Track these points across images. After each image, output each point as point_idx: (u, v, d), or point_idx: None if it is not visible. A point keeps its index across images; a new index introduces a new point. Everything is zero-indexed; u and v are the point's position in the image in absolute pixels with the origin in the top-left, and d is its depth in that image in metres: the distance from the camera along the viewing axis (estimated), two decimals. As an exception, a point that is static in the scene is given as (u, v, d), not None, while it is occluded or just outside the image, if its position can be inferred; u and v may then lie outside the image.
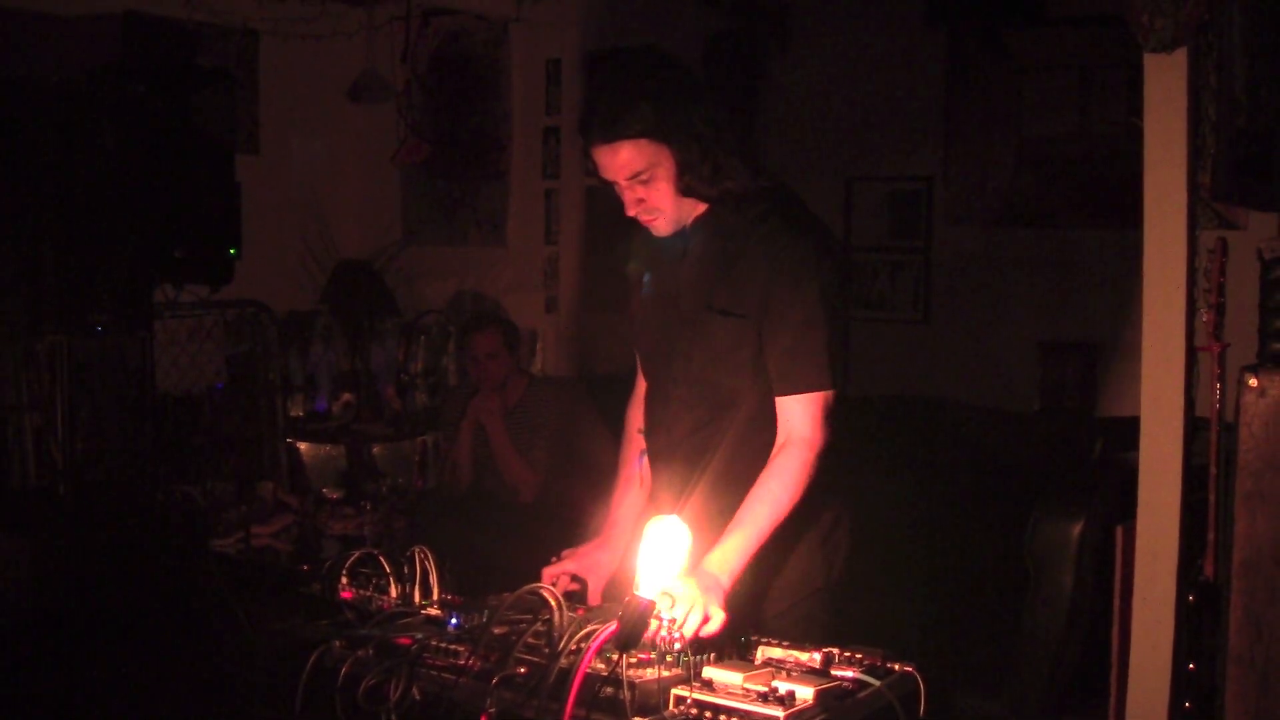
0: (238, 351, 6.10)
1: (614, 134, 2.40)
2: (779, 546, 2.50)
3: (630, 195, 2.48)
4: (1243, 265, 3.37)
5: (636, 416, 2.83)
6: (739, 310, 2.48)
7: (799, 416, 2.45)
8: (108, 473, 4.06)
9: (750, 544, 2.38)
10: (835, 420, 2.46)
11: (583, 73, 6.33)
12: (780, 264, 2.45)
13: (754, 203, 2.52)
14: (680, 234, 2.56)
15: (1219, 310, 3.17)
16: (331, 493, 5.12)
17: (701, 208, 2.53)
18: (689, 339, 2.57)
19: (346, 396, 6.43)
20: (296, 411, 6.36)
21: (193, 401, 5.62)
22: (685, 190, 2.47)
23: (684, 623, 2.14)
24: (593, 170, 2.51)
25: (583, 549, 2.73)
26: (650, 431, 2.72)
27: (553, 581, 2.62)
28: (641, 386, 2.84)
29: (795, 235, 2.48)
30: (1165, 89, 3.15)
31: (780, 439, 2.46)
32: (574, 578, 2.67)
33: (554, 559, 2.71)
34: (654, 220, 2.52)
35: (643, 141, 2.40)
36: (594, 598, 2.66)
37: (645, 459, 2.78)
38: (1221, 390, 3.13)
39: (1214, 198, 3.81)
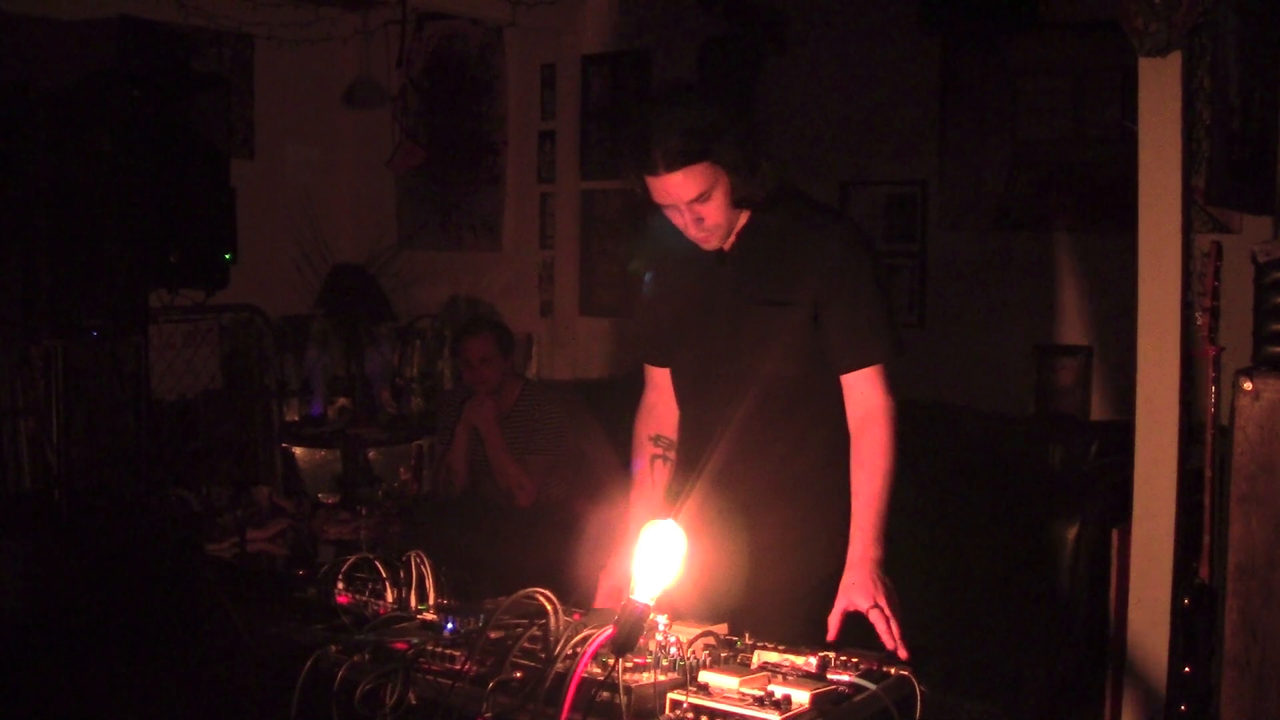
0: (233, 356, 6.10)
1: (676, 163, 2.56)
2: (810, 522, 2.72)
3: (690, 215, 2.64)
4: (1238, 269, 3.38)
5: (647, 424, 2.94)
6: (790, 299, 2.66)
7: (868, 389, 2.65)
8: (103, 477, 4.06)
9: (880, 519, 2.58)
10: (895, 383, 2.67)
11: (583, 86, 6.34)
12: (831, 253, 2.66)
13: (784, 202, 2.73)
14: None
15: (1213, 314, 3.17)
16: (327, 497, 5.12)
17: (745, 216, 2.72)
18: (735, 335, 2.71)
19: (342, 401, 6.43)
20: (292, 416, 6.36)
21: (188, 406, 5.62)
22: (738, 202, 2.66)
23: (892, 619, 2.45)
24: (644, 194, 2.66)
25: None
26: (693, 431, 2.82)
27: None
28: (653, 396, 2.94)
29: (835, 226, 2.73)
30: (1159, 93, 3.16)
31: (856, 414, 2.66)
32: None
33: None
34: (709, 236, 2.69)
35: (703, 165, 2.57)
36: (598, 601, 2.76)
37: (657, 463, 2.89)
38: (1216, 394, 3.14)
39: (1208, 201, 3.82)
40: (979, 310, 5.19)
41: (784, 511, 2.74)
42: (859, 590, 2.51)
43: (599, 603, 2.74)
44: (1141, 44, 3.13)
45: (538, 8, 6.22)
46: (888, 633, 2.41)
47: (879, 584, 2.51)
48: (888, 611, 2.47)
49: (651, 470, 2.89)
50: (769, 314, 2.68)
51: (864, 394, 2.65)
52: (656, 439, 2.90)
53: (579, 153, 6.32)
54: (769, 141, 5.61)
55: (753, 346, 2.69)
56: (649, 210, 2.71)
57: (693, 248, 2.73)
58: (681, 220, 2.65)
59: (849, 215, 2.86)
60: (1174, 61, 3.12)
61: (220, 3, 5.91)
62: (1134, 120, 3.28)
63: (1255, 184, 3.56)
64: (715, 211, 2.63)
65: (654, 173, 2.59)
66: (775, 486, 2.73)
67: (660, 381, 2.92)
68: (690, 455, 2.81)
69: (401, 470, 5.62)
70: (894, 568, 2.60)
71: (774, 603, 2.67)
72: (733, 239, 2.73)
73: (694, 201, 2.60)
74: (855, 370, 2.65)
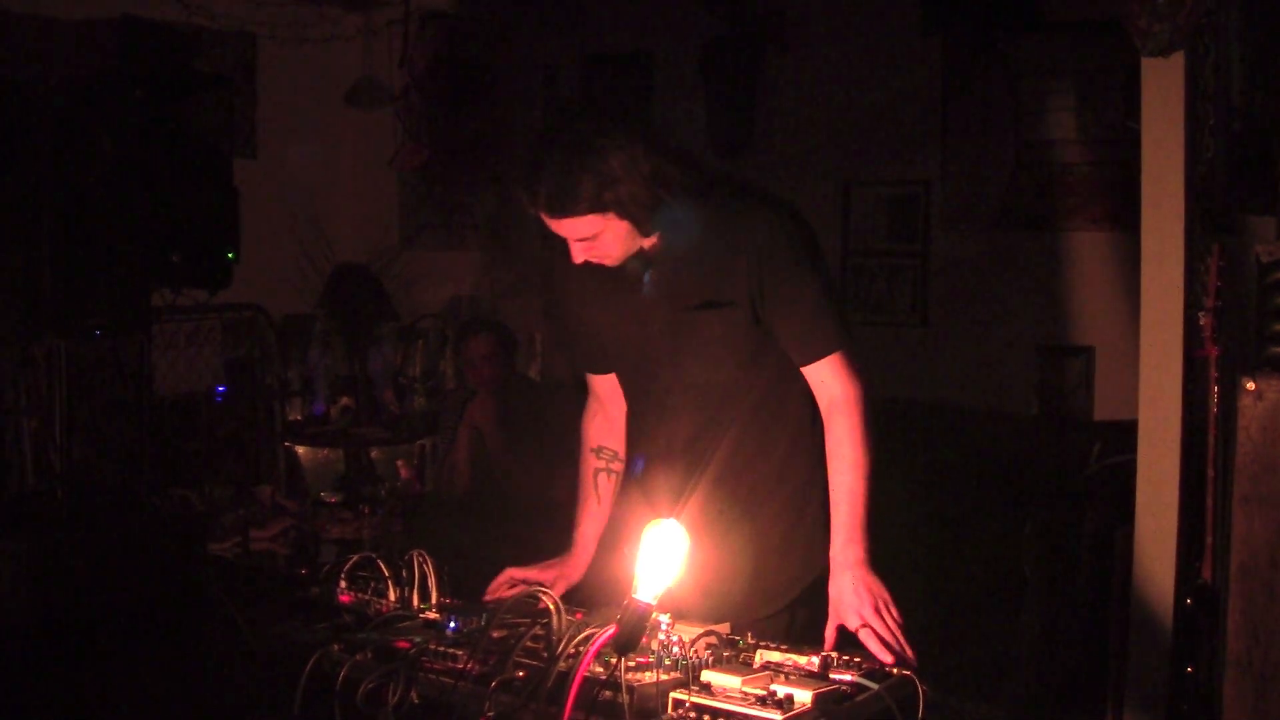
0: (236, 355, 6.10)
1: (559, 212, 2.44)
2: (781, 532, 2.62)
3: (577, 248, 2.52)
4: (1240, 270, 3.38)
5: (589, 435, 2.85)
6: (725, 300, 2.53)
7: (830, 378, 2.52)
8: (105, 477, 4.06)
9: (860, 512, 2.44)
10: (860, 366, 2.54)
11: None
12: (761, 245, 2.50)
13: (704, 198, 2.55)
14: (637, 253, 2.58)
15: (1216, 314, 3.17)
16: (329, 496, 5.12)
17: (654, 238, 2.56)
18: (673, 344, 2.59)
19: (344, 400, 6.42)
20: (294, 415, 6.36)
21: (191, 405, 5.62)
22: (644, 233, 2.52)
23: (886, 616, 2.32)
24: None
25: (547, 563, 2.79)
26: (647, 442, 2.72)
27: (510, 583, 2.71)
28: (594, 405, 2.85)
29: (761, 212, 2.54)
30: (1162, 93, 3.16)
31: (823, 405, 2.53)
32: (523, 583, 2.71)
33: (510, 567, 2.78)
34: (601, 260, 2.55)
35: (589, 216, 2.43)
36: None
37: (601, 477, 2.81)
38: (1219, 394, 3.14)
39: (1211, 202, 3.82)
40: (981, 311, 5.19)
41: (757, 518, 2.63)
42: (845, 607, 2.36)
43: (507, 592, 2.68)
44: (1144, 44, 3.13)
45: (540, 7, 6.23)
46: (882, 651, 2.25)
47: (864, 593, 2.36)
48: (877, 626, 2.31)
49: (595, 486, 2.80)
50: (706, 318, 2.54)
51: (827, 383, 2.52)
52: (599, 451, 2.81)
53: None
54: (771, 142, 5.62)
55: (695, 354, 2.57)
56: None
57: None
58: (569, 248, 2.52)
59: (779, 197, 2.62)
60: (1177, 62, 3.12)
61: (223, 2, 5.92)
62: (1137, 120, 3.28)
63: (1259, 184, 3.56)
64: (605, 247, 2.50)
65: (536, 210, 2.46)
66: (749, 489, 2.63)
67: (601, 390, 2.82)
68: (647, 465, 2.70)
69: (404, 470, 5.62)
70: (895, 568, 2.58)
71: (759, 612, 2.60)
72: (653, 240, 2.56)
73: (581, 240, 2.48)
74: (815, 362, 2.52)
